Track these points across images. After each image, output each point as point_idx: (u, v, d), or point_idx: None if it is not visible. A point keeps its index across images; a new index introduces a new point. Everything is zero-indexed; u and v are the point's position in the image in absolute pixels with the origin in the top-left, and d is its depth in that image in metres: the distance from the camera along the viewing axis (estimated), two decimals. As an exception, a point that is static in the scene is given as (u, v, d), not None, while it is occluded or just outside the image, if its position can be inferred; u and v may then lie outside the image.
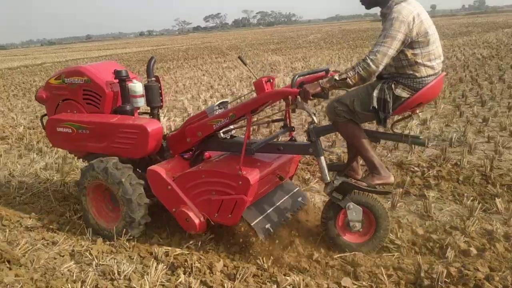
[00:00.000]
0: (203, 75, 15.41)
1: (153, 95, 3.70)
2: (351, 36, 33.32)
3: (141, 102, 3.69)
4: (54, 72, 3.96)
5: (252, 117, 3.13)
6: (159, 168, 3.33)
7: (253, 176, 3.02)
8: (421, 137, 2.97)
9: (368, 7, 2.90)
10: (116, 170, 3.35)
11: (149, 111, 3.85)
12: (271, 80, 3.12)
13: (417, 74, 2.69)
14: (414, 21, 2.59)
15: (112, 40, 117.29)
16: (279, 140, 3.97)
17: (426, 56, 2.67)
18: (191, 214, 3.20)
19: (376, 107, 2.74)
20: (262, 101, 3.04)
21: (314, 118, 2.93)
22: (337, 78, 2.68)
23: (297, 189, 3.76)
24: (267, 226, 3.23)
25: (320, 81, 2.79)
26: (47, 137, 4.04)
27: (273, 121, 3.96)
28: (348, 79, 2.65)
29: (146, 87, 3.68)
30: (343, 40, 29.15)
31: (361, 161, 3.31)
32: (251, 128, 3.50)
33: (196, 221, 3.19)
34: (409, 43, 2.63)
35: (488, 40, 20.31)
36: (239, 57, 3.64)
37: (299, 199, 3.66)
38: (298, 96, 2.84)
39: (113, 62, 4.02)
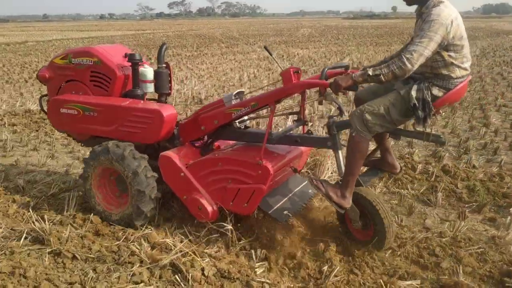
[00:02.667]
0: (243, 66, 13.85)
1: (162, 81, 3.64)
2: (350, 33, 32.48)
3: (151, 88, 3.62)
4: (58, 51, 3.23)
5: (276, 107, 3.08)
6: (173, 155, 3.25)
7: (272, 165, 2.98)
8: (441, 136, 2.92)
9: (409, 4, 2.87)
10: (133, 159, 3.22)
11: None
12: (299, 71, 3.04)
13: (452, 75, 2.72)
14: (452, 24, 2.59)
15: (72, 22, 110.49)
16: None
17: (460, 58, 2.70)
18: (204, 202, 3.14)
19: (417, 104, 2.72)
20: (289, 91, 3.02)
21: (343, 110, 2.95)
22: (371, 74, 2.64)
23: (306, 181, 3.62)
24: (285, 212, 3.17)
25: (353, 74, 2.73)
26: (48, 118, 3.88)
27: (288, 113, 3.93)
28: (381, 75, 2.62)
29: (156, 73, 3.61)
30: (351, 37, 28.21)
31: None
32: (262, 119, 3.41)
33: (209, 209, 3.13)
34: (445, 46, 2.64)
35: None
36: (265, 47, 3.60)
37: (310, 191, 3.59)
38: (328, 88, 2.74)
39: (122, 46, 3.93)
